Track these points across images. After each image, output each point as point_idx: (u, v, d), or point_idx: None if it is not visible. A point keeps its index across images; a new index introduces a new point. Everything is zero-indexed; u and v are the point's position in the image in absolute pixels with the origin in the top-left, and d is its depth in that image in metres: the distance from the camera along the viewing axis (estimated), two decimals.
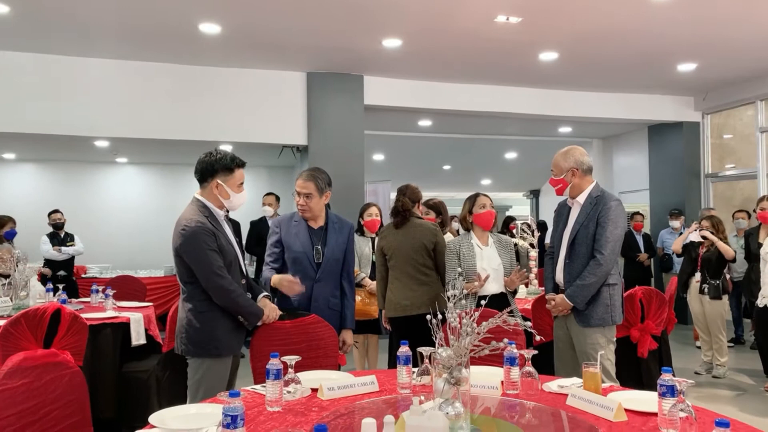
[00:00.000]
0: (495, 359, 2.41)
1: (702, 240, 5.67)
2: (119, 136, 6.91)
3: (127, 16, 5.35)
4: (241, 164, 2.80)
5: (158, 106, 6.79)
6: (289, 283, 3.01)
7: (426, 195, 5.03)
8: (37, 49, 6.28)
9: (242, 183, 2.82)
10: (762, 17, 5.51)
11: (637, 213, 8.32)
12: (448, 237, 4.46)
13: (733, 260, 5.50)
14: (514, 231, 8.41)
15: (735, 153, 8.95)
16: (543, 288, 5.11)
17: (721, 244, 5.42)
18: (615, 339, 3.20)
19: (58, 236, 7.35)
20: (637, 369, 4.11)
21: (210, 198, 2.77)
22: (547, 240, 8.34)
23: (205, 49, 6.31)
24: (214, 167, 2.74)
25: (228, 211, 2.96)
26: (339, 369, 2.87)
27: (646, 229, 8.77)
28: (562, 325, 3.26)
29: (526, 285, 5.52)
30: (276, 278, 3.07)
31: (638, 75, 7.45)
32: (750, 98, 7.95)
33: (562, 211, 3.34)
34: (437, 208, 4.72)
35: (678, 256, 6.31)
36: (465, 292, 3.81)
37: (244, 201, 2.85)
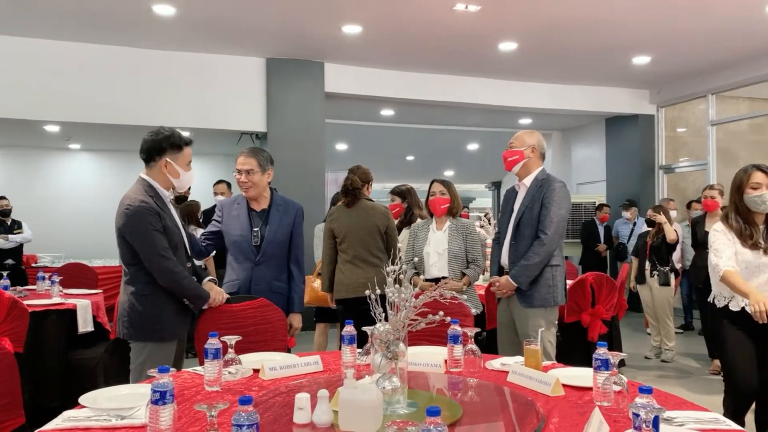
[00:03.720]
0: (443, 341, 2.41)
1: (648, 230, 5.83)
2: (70, 121, 6.71)
3: None
4: (189, 142, 2.77)
5: (112, 91, 6.60)
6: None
7: (389, 185, 4.95)
8: None
9: (190, 162, 2.78)
10: (714, 10, 5.64)
11: (605, 205, 8.49)
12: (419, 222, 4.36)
13: (675, 243, 5.68)
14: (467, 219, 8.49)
15: (688, 146, 9.20)
16: None
17: (666, 226, 5.60)
18: (557, 321, 3.24)
19: (5, 224, 7.08)
20: (587, 353, 4.19)
21: (158, 178, 2.71)
22: None
23: (160, 32, 6.15)
24: (162, 145, 2.68)
25: (178, 196, 2.89)
26: (288, 352, 2.84)
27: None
28: (505, 308, 3.28)
29: (483, 273, 5.54)
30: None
31: (596, 66, 7.58)
32: (701, 92, 8.18)
33: (510, 197, 3.35)
34: (402, 194, 4.65)
35: None
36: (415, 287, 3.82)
37: (193, 180, 2.85)
